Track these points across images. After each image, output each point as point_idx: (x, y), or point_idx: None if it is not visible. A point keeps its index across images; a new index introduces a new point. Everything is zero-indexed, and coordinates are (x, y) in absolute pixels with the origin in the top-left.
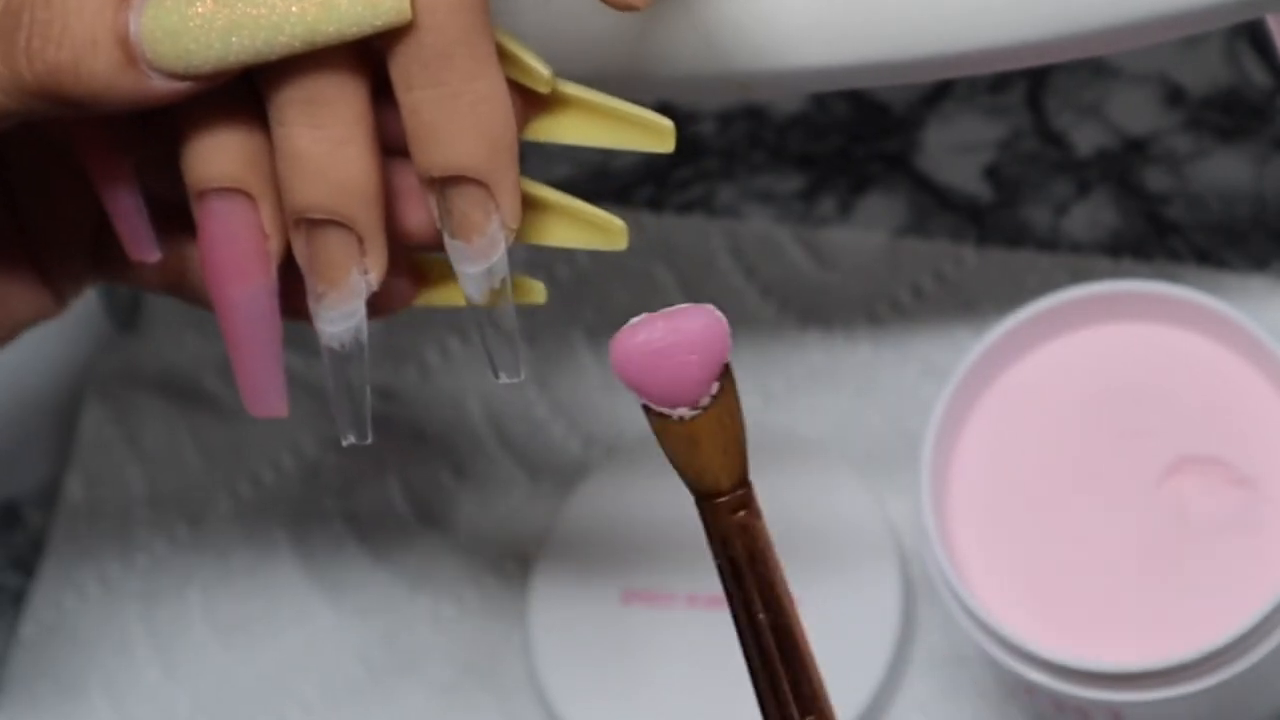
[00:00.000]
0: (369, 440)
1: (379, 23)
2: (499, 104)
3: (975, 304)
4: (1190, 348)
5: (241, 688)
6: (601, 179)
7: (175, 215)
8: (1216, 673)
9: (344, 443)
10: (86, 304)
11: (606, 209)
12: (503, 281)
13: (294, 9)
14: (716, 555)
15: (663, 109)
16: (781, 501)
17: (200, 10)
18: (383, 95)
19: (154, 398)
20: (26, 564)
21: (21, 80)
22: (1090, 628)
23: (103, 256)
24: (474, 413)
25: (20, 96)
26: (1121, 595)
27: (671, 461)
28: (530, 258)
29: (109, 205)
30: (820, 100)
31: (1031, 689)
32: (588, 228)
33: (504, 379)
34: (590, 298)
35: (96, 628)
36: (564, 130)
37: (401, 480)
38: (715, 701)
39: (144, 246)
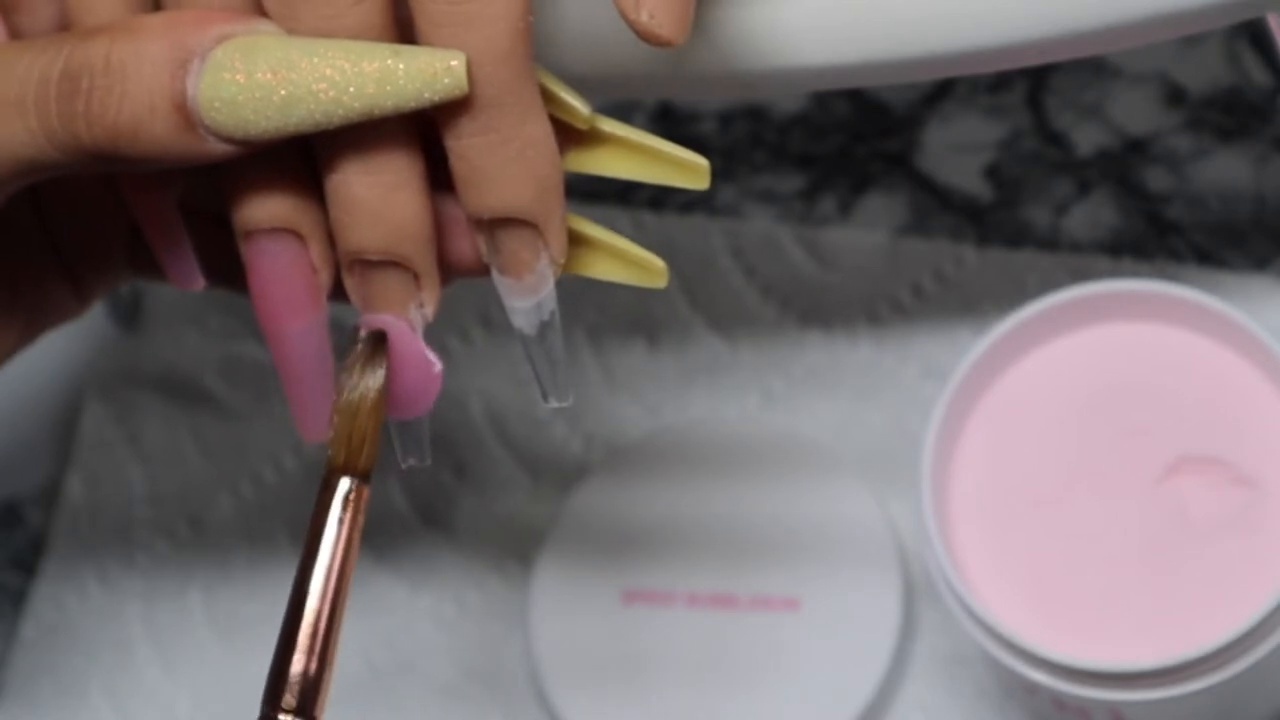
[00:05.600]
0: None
1: (436, 97)
2: (546, 146)
3: (975, 304)
4: (1190, 348)
5: (242, 688)
6: (603, 178)
7: (210, 220)
8: (1216, 672)
9: (547, 405)
10: None
11: (607, 208)
12: (551, 314)
13: (353, 84)
14: (314, 521)
15: (663, 108)
16: (782, 502)
17: (260, 82)
18: (426, 132)
19: (154, 398)
20: (27, 564)
21: (79, 141)
22: (1091, 627)
23: (139, 258)
24: (474, 413)
25: (76, 155)
26: (1122, 595)
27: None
28: None
29: (151, 238)
30: (820, 100)
31: (1032, 688)
32: (629, 265)
33: (553, 403)
34: (591, 298)
35: (97, 627)
36: (600, 164)
37: (401, 480)
38: (715, 701)
39: (189, 277)
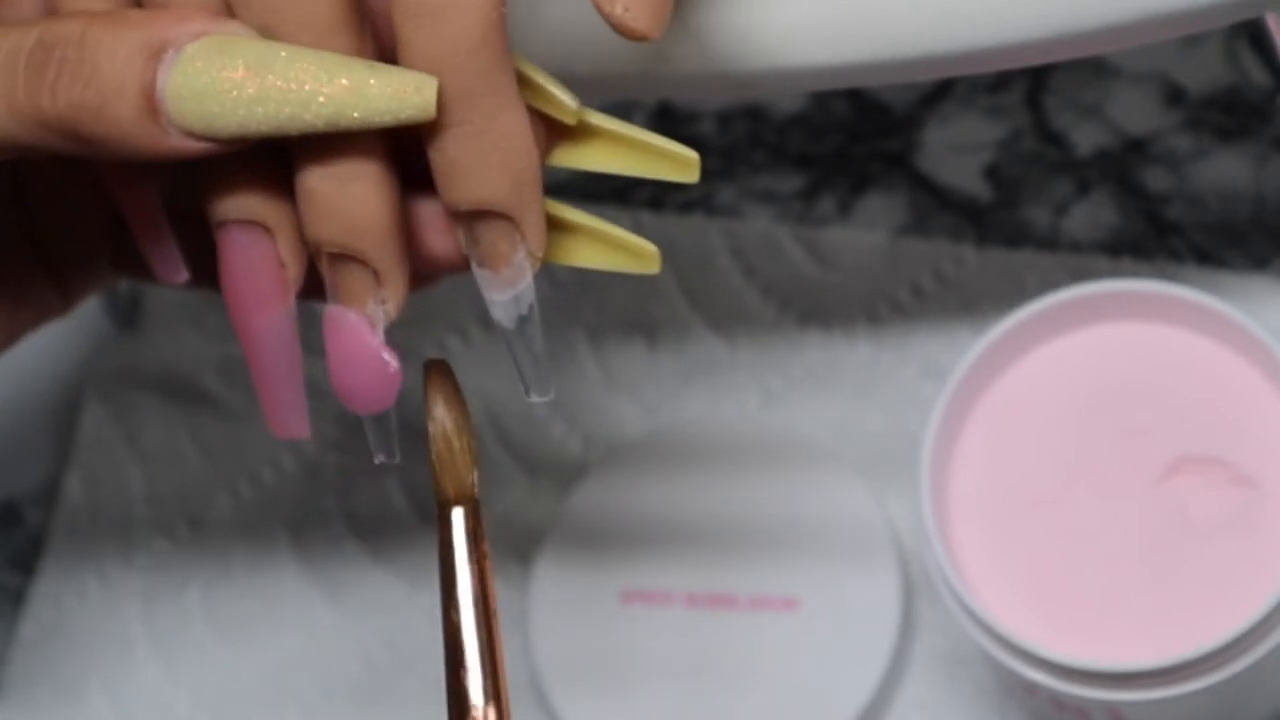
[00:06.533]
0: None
1: (404, 115)
2: (522, 138)
3: (975, 304)
4: (1190, 348)
5: (241, 688)
6: (602, 178)
7: (196, 221)
8: (1216, 672)
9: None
10: (86, 304)
11: (607, 209)
12: (530, 307)
13: (324, 90)
14: (442, 560)
15: (663, 109)
16: (781, 501)
17: (231, 76)
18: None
19: (154, 397)
20: (26, 564)
21: (41, 113)
22: (1090, 627)
23: (122, 258)
24: (474, 413)
25: (34, 128)
26: (1121, 594)
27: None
28: None
29: (136, 230)
30: (820, 100)
31: (1031, 688)
32: (620, 251)
33: (535, 397)
34: (590, 298)
35: (96, 627)
36: (589, 158)
37: (402, 480)
38: (715, 701)
39: (172, 270)
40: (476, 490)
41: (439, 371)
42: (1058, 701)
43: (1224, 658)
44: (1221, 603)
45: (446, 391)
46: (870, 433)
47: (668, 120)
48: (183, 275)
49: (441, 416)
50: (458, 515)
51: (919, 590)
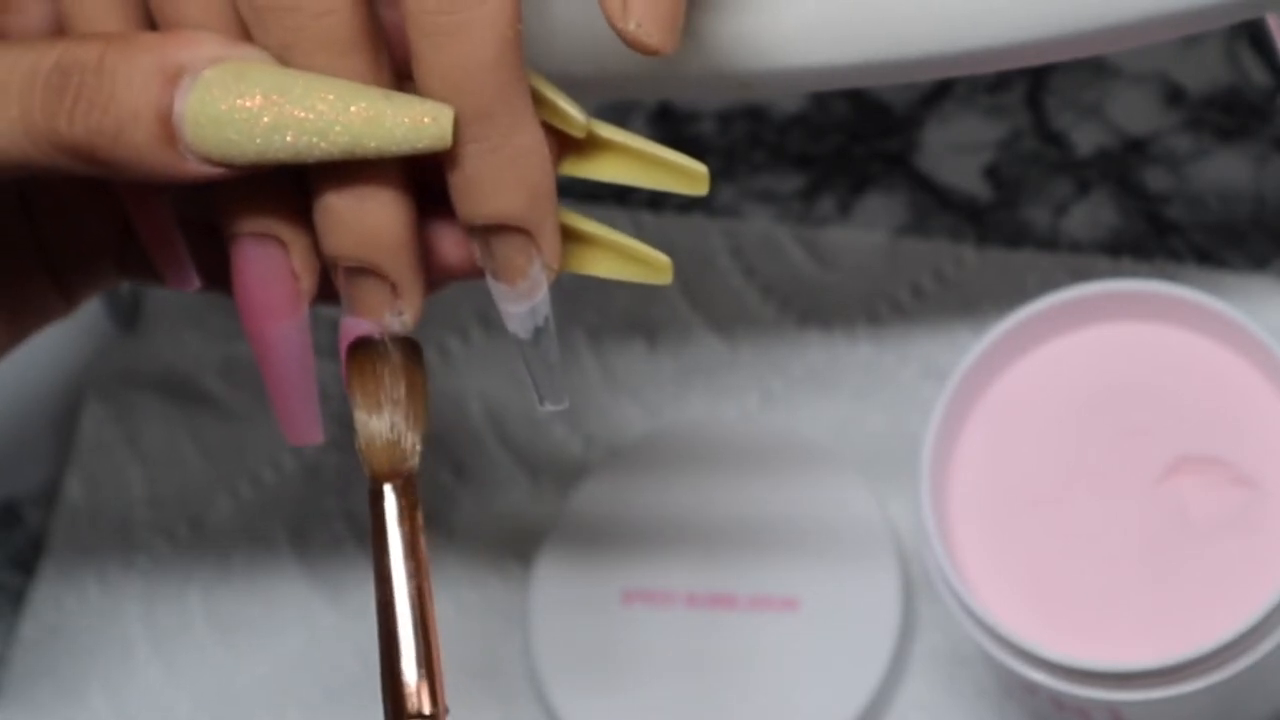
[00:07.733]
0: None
1: (420, 145)
2: (537, 154)
3: (975, 304)
4: (1190, 348)
5: (241, 688)
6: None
7: (207, 227)
8: (1216, 672)
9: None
10: (87, 305)
11: (606, 209)
12: (545, 319)
13: (340, 118)
14: (375, 538)
15: (663, 109)
16: (781, 501)
17: (247, 104)
18: None
19: (154, 398)
20: (26, 564)
21: (57, 136)
22: (1090, 627)
23: (127, 261)
24: (474, 413)
25: (50, 150)
26: (1121, 594)
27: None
28: None
29: (148, 242)
30: (820, 100)
31: (1031, 688)
32: (633, 261)
33: (548, 406)
34: (591, 298)
35: (96, 628)
36: (598, 169)
37: None
38: (715, 701)
39: (184, 279)
40: (411, 465)
41: (361, 355)
42: (1058, 701)
43: (1224, 658)
44: (1221, 603)
45: (365, 376)
46: (870, 433)
47: (668, 120)
48: (194, 284)
49: (360, 405)
50: (389, 492)
51: (919, 590)
